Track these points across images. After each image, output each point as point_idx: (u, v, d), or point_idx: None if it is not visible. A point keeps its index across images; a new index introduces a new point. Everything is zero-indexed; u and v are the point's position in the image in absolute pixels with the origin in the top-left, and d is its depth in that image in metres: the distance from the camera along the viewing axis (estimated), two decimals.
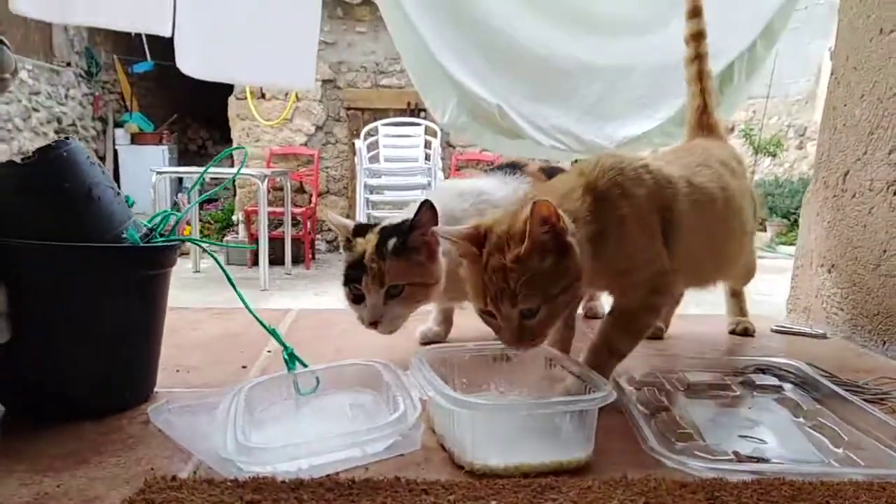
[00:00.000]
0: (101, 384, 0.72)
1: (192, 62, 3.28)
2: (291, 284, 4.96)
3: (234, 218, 6.69)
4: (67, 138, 0.72)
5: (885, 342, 1.10)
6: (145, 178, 4.78)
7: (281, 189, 5.73)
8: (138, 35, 6.31)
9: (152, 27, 3.00)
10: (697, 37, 1.16)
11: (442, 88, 3.45)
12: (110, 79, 7.30)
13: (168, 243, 0.76)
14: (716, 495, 0.56)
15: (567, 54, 3.29)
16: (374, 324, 0.87)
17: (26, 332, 0.67)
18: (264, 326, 0.78)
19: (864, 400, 0.82)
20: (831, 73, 1.29)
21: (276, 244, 5.41)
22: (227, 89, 6.62)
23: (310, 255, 6.12)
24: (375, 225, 0.94)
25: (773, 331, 1.25)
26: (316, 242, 6.81)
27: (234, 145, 6.44)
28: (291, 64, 3.48)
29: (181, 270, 4.27)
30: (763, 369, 0.94)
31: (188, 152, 8.22)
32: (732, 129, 8.99)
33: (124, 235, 0.72)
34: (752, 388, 0.88)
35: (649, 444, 0.63)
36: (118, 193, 0.76)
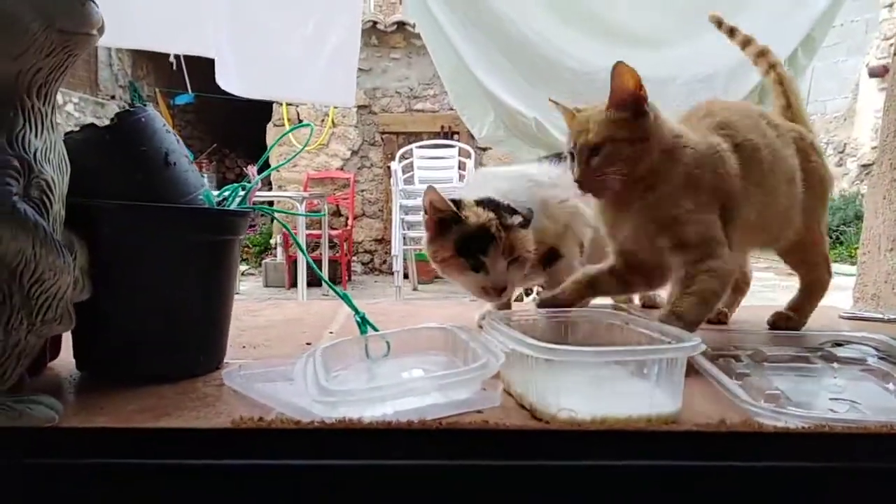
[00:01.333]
0: (175, 347, 0.72)
1: (233, 80, 3.35)
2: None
3: (272, 241, 6.79)
4: (145, 104, 0.74)
5: None
6: None
7: (318, 212, 5.80)
8: (179, 68, 6.52)
9: (195, 48, 3.08)
10: (761, 55, 1.21)
11: (480, 103, 3.49)
12: None
13: (242, 210, 0.77)
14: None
15: (602, 67, 3.28)
16: (502, 290, 0.94)
17: (104, 292, 0.67)
18: (335, 291, 0.77)
19: None
20: (894, 55, 1.26)
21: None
22: (264, 118, 6.78)
23: (346, 276, 6.16)
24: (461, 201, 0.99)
25: (840, 317, 1.21)
26: (352, 264, 6.86)
27: (267, 171, 6.57)
28: (332, 81, 3.54)
29: None
30: (841, 343, 0.90)
31: (226, 181, 8.41)
32: None
33: (200, 198, 0.73)
34: (833, 361, 0.85)
35: (742, 399, 0.61)
36: (191, 162, 0.77)
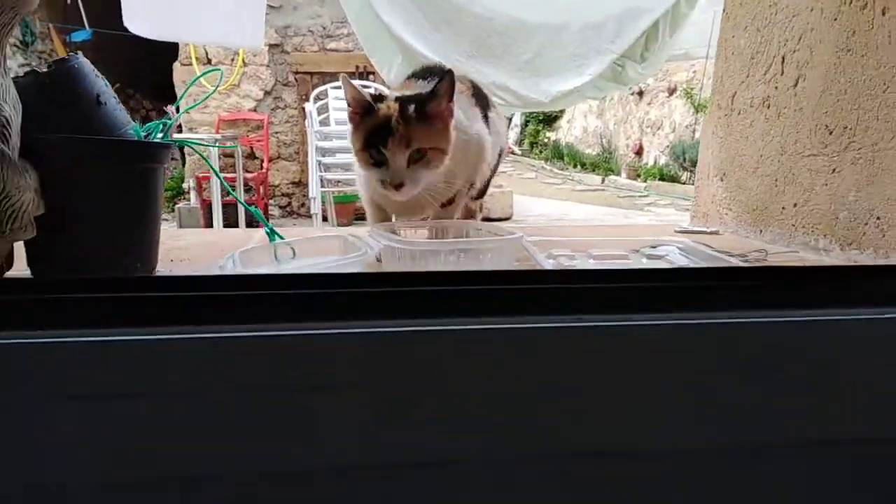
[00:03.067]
0: (115, 255, 0.88)
1: (140, 21, 3.34)
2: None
3: (184, 185, 6.69)
4: (77, 54, 0.87)
5: (761, 230, 1.33)
6: None
7: (231, 155, 5.76)
8: (74, 2, 6.17)
9: None
10: None
11: (387, 47, 3.61)
12: (46, 49, 7.10)
13: (164, 142, 0.92)
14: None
15: (503, 13, 3.49)
16: (398, 186, 0.90)
17: (53, 212, 0.82)
18: (244, 205, 0.94)
19: (743, 261, 1.04)
20: (723, 10, 1.50)
21: (229, 210, 5.47)
22: (170, 57, 6.55)
23: (251, 230, 6.20)
24: (384, 97, 0.99)
25: (675, 231, 1.48)
26: (269, 208, 6.86)
27: (181, 111, 6.42)
28: (240, 23, 3.56)
29: None
30: (655, 246, 1.15)
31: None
32: (675, 90, 9.34)
33: (130, 132, 0.87)
34: (644, 256, 1.10)
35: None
36: (118, 102, 0.91)
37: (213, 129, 6.50)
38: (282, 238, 0.93)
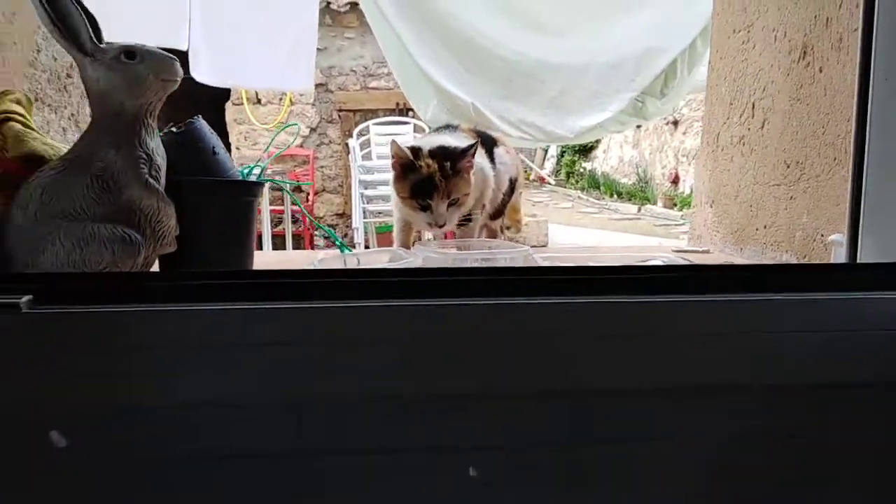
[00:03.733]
0: (224, 264, 1.18)
1: (204, 71, 3.79)
2: None
3: None
4: (198, 117, 1.18)
5: (741, 248, 1.57)
6: None
7: (280, 189, 6.16)
8: None
9: (170, 42, 3.53)
10: None
11: (424, 89, 3.99)
12: None
13: (259, 181, 1.23)
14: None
15: (528, 56, 3.82)
16: (441, 225, 1.24)
17: (185, 237, 1.12)
18: (320, 226, 1.23)
19: None
20: (709, 63, 1.76)
21: (277, 240, 5.84)
22: (223, 98, 7.06)
23: (309, 241, 6.56)
24: (420, 149, 1.30)
25: (672, 251, 1.73)
26: (314, 238, 7.24)
27: (234, 149, 6.89)
28: (293, 69, 3.98)
29: None
30: (645, 260, 1.41)
31: None
32: (677, 123, 9.52)
33: (236, 173, 1.18)
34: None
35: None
36: (226, 151, 1.22)
37: None
38: (349, 250, 1.22)
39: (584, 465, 0.81)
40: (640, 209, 10.19)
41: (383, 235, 6.37)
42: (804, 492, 0.82)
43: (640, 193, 10.80)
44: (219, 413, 0.78)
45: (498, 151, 1.50)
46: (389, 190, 4.90)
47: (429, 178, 1.23)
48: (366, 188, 6.02)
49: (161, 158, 1.05)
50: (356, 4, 7.02)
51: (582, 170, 12.91)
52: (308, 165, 7.18)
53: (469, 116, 3.86)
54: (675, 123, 10.12)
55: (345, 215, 7.39)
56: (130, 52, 0.99)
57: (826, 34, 1.23)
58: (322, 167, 7.37)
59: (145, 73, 1.00)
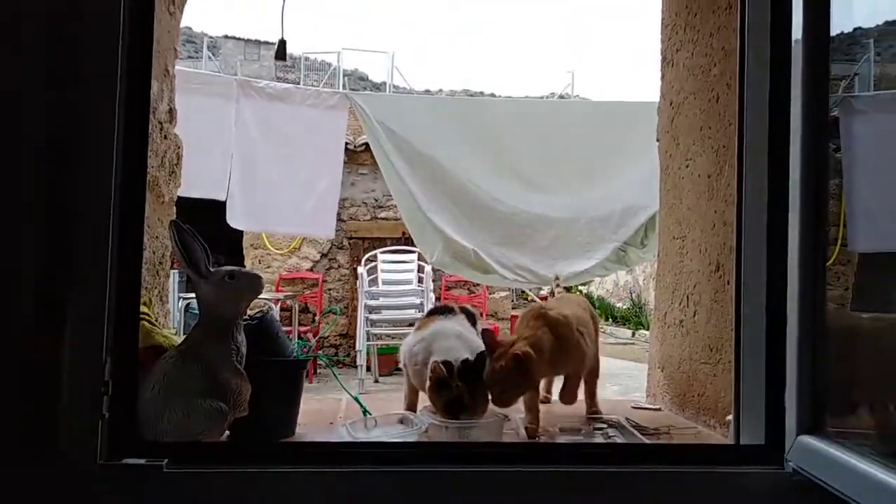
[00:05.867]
0: (284, 425, 1.56)
1: (239, 218, 4.38)
2: None
3: None
4: (270, 309, 1.61)
5: (683, 410, 1.96)
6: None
7: (289, 310, 6.58)
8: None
9: (213, 194, 4.12)
10: None
11: (431, 236, 4.54)
12: None
13: (308, 357, 1.64)
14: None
15: (524, 210, 4.39)
16: (470, 428, 1.51)
17: (257, 401, 1.51)
18: (348, 392, 1.63)
19: (645, 434, 1.67)
20: (658, 255, 2.22)
21: None
22: None
23: (313, 368, 6.87)
24: (452, 365, 1.54)
25: (631, 407, 2.11)
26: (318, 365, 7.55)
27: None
28: (318, 218, 4.55)
29: None
30: (605, 422, 1.79)
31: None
32: None
33: (292, 351, 1.59)
34: (595, 430, 1.73)
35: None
36: (286, 335, 1.64)
37: (274, 287, 7.40)
38: (370, 414, 1.61)
39: None
40: (633, 334, 10.54)
41: (384, 357, 6.68)
42: None
43: (634, 318, 11.19)
44: None
45: (479, 324, 1.91)
46: (392, 315, 5.32)
47: (458, 398, 1.51)
48: (370, 312, 6.40)
49: (244, 347, 1.46)
50: (369, 146, 7.77)
51: (578, 293, 13.38)
52: (317, 288, 7.63)
53: (470, 260, 4.37)
54: None
55: (348, 336, 7.74)
56: (232, 275, 1.43)
57: (731, 258, 1.69)
58: (330, 289, 7.81)
59: (242, 290, 1.43)
